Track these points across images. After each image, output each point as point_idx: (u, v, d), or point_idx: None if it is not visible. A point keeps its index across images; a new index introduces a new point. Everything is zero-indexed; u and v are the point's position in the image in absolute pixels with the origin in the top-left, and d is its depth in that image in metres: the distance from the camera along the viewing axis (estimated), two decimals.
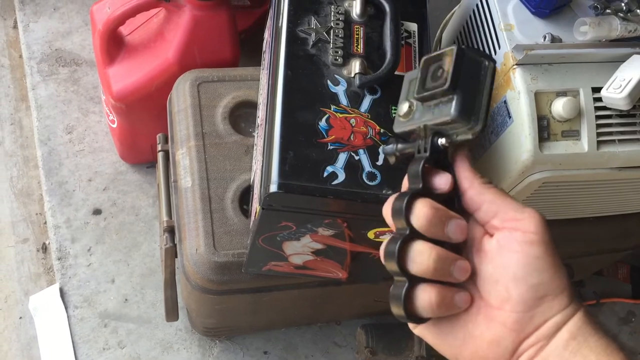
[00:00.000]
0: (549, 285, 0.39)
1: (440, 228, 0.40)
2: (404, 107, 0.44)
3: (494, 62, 0.42)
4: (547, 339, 0.39)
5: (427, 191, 0.41)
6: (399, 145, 0.45)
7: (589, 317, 0.40)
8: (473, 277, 0.41)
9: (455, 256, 0.40)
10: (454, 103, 0.40)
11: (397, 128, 0.45)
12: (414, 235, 0.40)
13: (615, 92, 0.68)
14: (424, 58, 0.44)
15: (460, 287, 0.41)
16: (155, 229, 1.14)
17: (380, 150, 0.59)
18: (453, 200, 0.42)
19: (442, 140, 0.42)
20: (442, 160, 0.43)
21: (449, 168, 0.43)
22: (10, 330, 1.07)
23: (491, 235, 0.41)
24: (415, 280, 0.40)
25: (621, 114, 0.71)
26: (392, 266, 0.40)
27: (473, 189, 0.42)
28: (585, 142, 0.70)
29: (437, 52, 0.43)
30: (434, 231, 0.40)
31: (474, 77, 0.41)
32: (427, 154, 0.42)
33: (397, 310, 0.41)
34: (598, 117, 0.71)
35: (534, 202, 0.78)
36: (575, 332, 0.39)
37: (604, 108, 0.71)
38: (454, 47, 0.41)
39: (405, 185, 0.43)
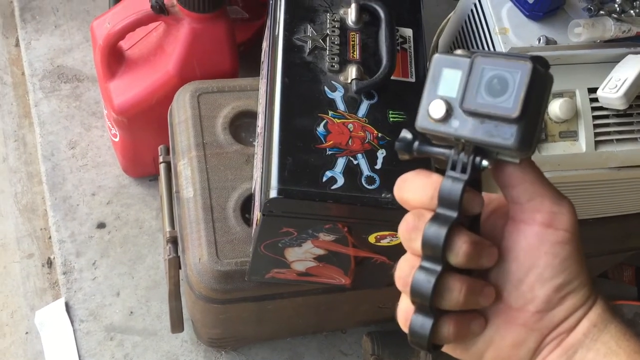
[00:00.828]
0: (573, 283, 0.38)
1: (476, 261, 0.37)
2: (439, 109, 0.36)
3: (549, 67, 0.36)
4: (568, 332, 0.38)
5: (463, 217, 0.36)
6: (421, 147, 0.38)
7: (607, 304, 0.39)
8: (492, 277, 0.39)
9: (482, 284, 0.38)
10: (516, 131, 0.34)
11: (423, 127, 0.37)
12: (445, 269, 0.36)
13: (611, 92, 0.68)
14: (475, 55, 0.36)
15: (477, 313, 0.39)
16: (159, 241, 1.15)
17: (395, 146, 0.50)
18: (477, 215, 0.38)
19: (485, 162, 0.36)
20: (477, 182, 0.37)
21: (479, 186, 0.38)
22: (16, 345, 1.07)
23: (515, 226, 0.38)
24: (439, 313, 0.37)
25: (618, 114, 0.71)
26: (420, 301, 0.36)
27: (518, 165, 0.37)
28: (583, 143, 0.71)
29: (499, 54, 0.36)
30: (469, 265, 0.37)
31: (540, 97, 0.34)
32: (467, 176, 0.36)
33: (417, 342, 0.37)
34: (595, 118, 0.71)
35: None
36: (595, 320, 0.38)
37: (601, 108, 0.71)
38: (529, 63, 0.34)
39: (408, 185, 0.39)
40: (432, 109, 0.37)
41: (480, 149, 0.36)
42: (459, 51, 0.38)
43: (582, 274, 0.38)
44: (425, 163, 0.42)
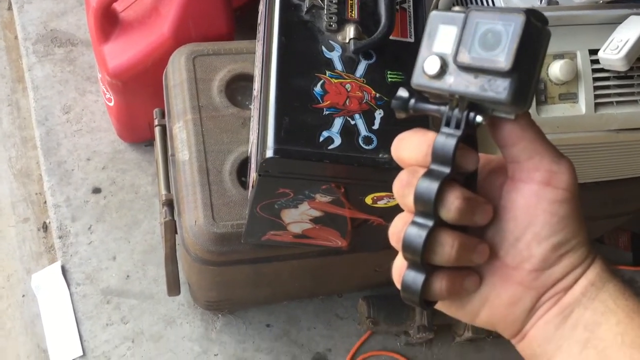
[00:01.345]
0: (571, 242, 0.37)
1: (470, 217, 0.37)
2: (434, 65, 0.36)
3: (547, 22, 0.35)
4: (564, 290, 0.38)
5: (457, 174, 0.36)
6: (417, 104, 0.38)
7: (605, 263, 0.39)
8: (486, 234, 0.39)
9: (476, 241, 0.38)
10: (509, 85, 0.34)
11: (418, 84, 0.37)
12: (437, 224, 0.36)
13: (613, 53, 0.67)
14: (470, 10, 0.35)
15: (471, 270, 0.38)
16: (155, 206, 1.14)
17: (392, 103, 0.49)
18: (474, 174, 0.38)
19: (479, 118, 0.36)
20: (472, 138, 0.37)
21: (474, 143, 0.37)
22: (13, 308, 1.08)
23: (512, 182, 0.38)
24: (431, 269, 0.37)
25: (619, 76, 0.70)
26: (411, 256, 0.36)
27: (516, 123, 0.37)
28: (582, 105, 0.70)
29: (493, 8, 0.35)
30: (462, 221, 0.37)
31: (534, 50, 0.34)
32: (461, 132, 0.35)
33: (409, 298, 0.37)
34: (595, 79, 0.70)
35: None
36: (593, 279, 0.38)
37: (602, 70, 0.70)
38: (523, 16, 0.33)
39: (404, 144, 0.38)
40: (427, 65, 0.36)
41: (474, 105, 0.36)
42: (456, 8, 0.37)
43: (580, 233, 0.38)
44: (424, 123, 0.42)
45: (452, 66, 0.36)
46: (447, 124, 0.36)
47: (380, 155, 0.60)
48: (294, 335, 1.09)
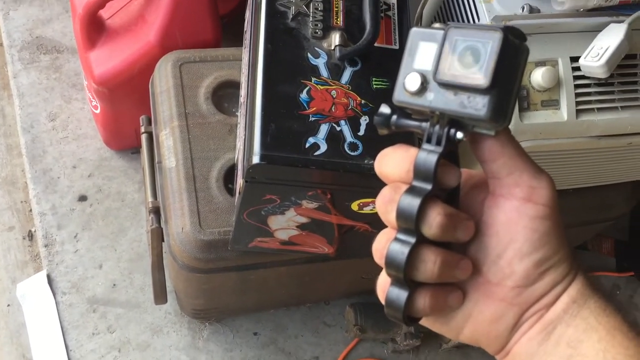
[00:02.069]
0: (553, 258, 0.37)
1: (452, 233, 0.37)
2: (414, 82, 0.36)
3: (525, 39, 0.35)
4: (547, 307, 0.38)
5: (438, 190, 0.36)
6: (399, 120, 0.38)
7: (587, 279, 0.39)
8: (471, 251, 0.39)
9: (458, 258, 0.38)
10: (487, 102, 0.34)
11: (399, 100, 0.37)
12: (420, 241, 0.36)
13: (593, 60, 0.68)
14: (449, 27, 0.36)
15: (454, 287, 0.39)
16: (142, 214, 1.14)
17: (371, 118, 0.52)
18: (456, 190, 0.38)
19: (460, 134, 0.36)
20: (454, 154, 0.37)
21: (456, 159, 0.38)
22: None
23: (494, 200, 0.38)
24: (415, 286, 0.37)
25: (599, 83, 0.71)
26: (394, 273, 0.36)
27: (496, 139, 0.37)
28: (564, 111, 0.71)
29: (472, 25, 0.36)
30: (444, 237, 0.37)
31: (512, 67, 0.34)
32: (442, 148, 0.36)
33: (393, 314, 0.37)
34: (577, 86, 0.71)
35: None
36: (575, 296, 0.38)
37: (583, 77, 0.71)
38: (499, 33, 0.33)
39: (387, 160, 0.38)
40: (407, 82, 0.37)
41: (455, 122, 0.36)
42: (436, 24, 0.38)
43: (562, 249, 0.38)
44: (408, 138, 0.42)
45: (432, 83, 0.36)
46: (429, 141, 0.36)
47: (365, 162, 0.60)
48: (281, 343, 1.09)
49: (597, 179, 0.85)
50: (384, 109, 0.39)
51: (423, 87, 0.36)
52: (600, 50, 0.68)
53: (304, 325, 1.11)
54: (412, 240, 0.36)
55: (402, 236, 0.36)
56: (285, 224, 0.71)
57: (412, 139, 0.57)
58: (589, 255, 1.26)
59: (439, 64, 0.35)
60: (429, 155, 0.36)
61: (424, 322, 0.41)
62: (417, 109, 0.37)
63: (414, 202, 0.35)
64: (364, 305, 1.07)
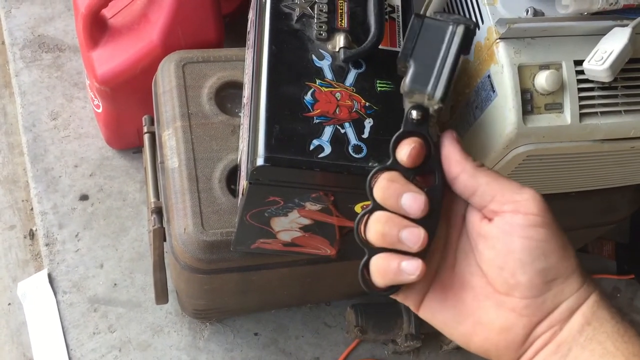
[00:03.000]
0: (557, 268, 0.37)
1: (395, 200, 0.39)
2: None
3: (467, 26, 0.41)
4: (560, 323, 0.38)
5: (397, 165, 0.41)
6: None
7: (604, 300, 0.38)
8: (481, 262, 0.40)
9: (406, 222, 0.39)
10: (408, 73, 0.41)
11: (405, 107, 0.45)
12: (376, 207, 0.40)
13: (597, 64, 0.68)
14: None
15: (418, 256, 0.40)
16: (143, 213, 1.14)
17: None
18: (432, 177, 0.41)
19: (414, 113, 0.42)
20: (420, 133, 0.42)
21: (434, 148, 0.42)
22: None
23: (490, 220, 0.39)
24: (373, 252, 0.40)
25: (603, 87, 0.71)
26: (356, 237, 0.42)
27: (465, 173, 0.40)
28: (568, 115, 0.71)
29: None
30: (389, 204, 0.39)
31: (434, 45, 0.40)
32: (402, 127, 0.42)
33: (361, 281, 0.42)
34: (580, 90, 0.71)
35: (517, 176, 0.78)
36: (590, 317, 0.37)
37: (586, 81, 0.71)
38: (413, 16, 0.41)
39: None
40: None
41: (415, 105, 0.42)
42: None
43: (567, 260, 0.38)
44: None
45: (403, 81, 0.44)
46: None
47: (369, 164, 0.60)
48: (282, 344, 1.09)
49: (600, 182, 0.85)
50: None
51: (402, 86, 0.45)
52: (604, 54, 0.68)
53: (305, 325, 1.11)
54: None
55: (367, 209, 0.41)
56: (288, 226, 0.71)
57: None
58: (589, 257, 1.26)
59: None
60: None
61: (436, 321, 0.41)
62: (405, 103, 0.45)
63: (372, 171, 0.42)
64: (364, 306, 1.07)
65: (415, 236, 0.39)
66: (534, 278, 0.37)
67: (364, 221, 0.41)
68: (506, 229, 0.38)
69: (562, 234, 0.39)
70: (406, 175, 0.41)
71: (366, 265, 0.40)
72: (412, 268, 0.39)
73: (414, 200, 0.39)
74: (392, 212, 0.39)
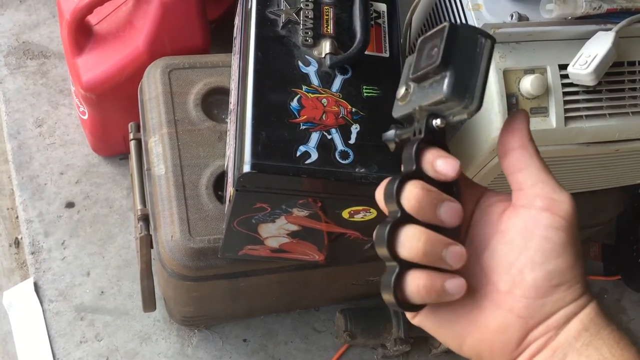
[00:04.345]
0: (565, 274, 0.37)
1: (432, 210, 0.37)
2: (401, 91, 0.43)
3: (493, 39, 0.40)
4: (556, 329, 0.37)
5: (421, 173, 0.39)
6: (398, 131, 0.44)
7: (601, 309, 0.38)
8: (481, 259, 0.39)
9: (448, 241, 0.38)
10: (446, 80, 0.38)
11: (396, 113, 0.44)
12: (406, 218, 0.38)
13: (582, 68, 0.69)
14: (420, 38, 0.42)
15: (456, 274, 0.38)
16: (130, 220, 1.13)
17: (383, 135, 0.51)
18: (451, 188, 0.40)
19: (437, 121, 0.40)
20: (440, 143, 0.41)
21: (445, 150, 0.41)
22: None
23: (513, 211, 0.39)
24: (406, 266, 0.38)
25: (587, 90, 0.72)
26: (382, 251, 0.38)
27: (525, 149, 0.39)
28: (553, 119, 0.71)
29: (433, 30, 0.41)
30: (425, 214, 0.37)
31: (469, 54, 0.39)
32: (422, 135, 0.40)
33: (387, 297, 0.39)
34: (565, 94, 0.72)
35: (503, 181, 0.79)
36: (587, 324, 0.37)
37: (571, 85, 0.72)
38: (447, 24, 0.40)
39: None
40: (397, 94, 0.43)
41: (435, 114, 0.41)
42: (408, 58, 0.44)
43: (576, 269, 0.38)
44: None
45: (412, 86, 0.42)
46: (414, 135, 0.41)
47: (356, 170, 0.60)
48: (271, 350, 1.09)
49: (587, 185, 0.86)
50: (387, 130, 0.45)
51: (407, 92, 0.42)
52: (589, 58, 0.69)
53: (294, 331, 1.11)
54: (398, 216, 0.39)
55: (389, 217, 0.39)
56: (276, 232, 0.70)
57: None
58: None
59: (413, 66, 0.42)
60: (412, 143, 0.40)
61: (427, 322, 0.41)
62: (407, 112, 0.42)
63: (395, 180, 0.39)
64: (353, 311, 1.07)
65: (458, 256, 0.38)
66: (540, 279, 0.37)
67: (393, 234, 0.38)
68: (529, 224, 0.38)
69: (579, 244, 0.39)
70: (432, 183, 0.39)
71: (398, 282, 0.38)
72: (457, 288, 0.38)
73: (452, 211, 0.38)
74: (424, 223, 0.38)
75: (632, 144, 0.75)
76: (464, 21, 0.75)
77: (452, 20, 0.77)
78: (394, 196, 0.38)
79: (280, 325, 1.11)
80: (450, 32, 0.39)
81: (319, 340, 1.11)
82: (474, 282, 0.40)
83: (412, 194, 0.38)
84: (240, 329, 1.09)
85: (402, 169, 0.41)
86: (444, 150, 0.40)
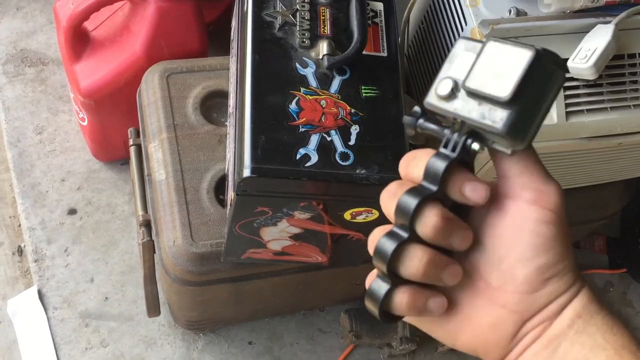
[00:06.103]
0: (557, 265, 0.37)
1: (446, 238, 0.36)
2: (445, 87, 0.37)
3: (565, 70, 0.38)
4: (550, 319, 0.37)
5: (441, 194, 0.37)
6: (425, 123, 0.39)
7: (593, 294, 0.38)
8: (470, 254, 0.38)
9: (447, 261, 0.37)
10: (506, 117, 0.34)
11: (429, 104, 0.38)
12: (413, 238, 0.36)
13: (581, 62, 0.68)
14: (490, 41, 0.36)
15: (439, 291, 0.38)
16: (133, 226, 1.13)
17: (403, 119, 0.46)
18: (466, 206, 0.38)
19: (475, 146, 0.36)
20: (469, 164, 0.38)
21: (471, 171, 0.38)
22: None
23: (501, 207, 0.38)
24: (398, 282, 0.37)
25: (588, 84, 0.71)
26: (380, 265, 0.37)
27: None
28: (554, 114, 0.71)
29: (510, 42, 0.35)
30: (437, 240, 0.36)
31: (540, 90, 0.35)
32: (455, 154, 0.36)
33: (371, 307, 0.38)
34: (566, 88, 0.71)
35: None
36: (580, 311, 0.37)
37: (571, 79, 0.71)
38: (531, 51, 0.34)
39: (408, 169, 0.39)
40: (439, 87, 0.37)
41: (475, 133, 0.37)
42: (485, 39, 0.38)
43: (567, 259, 0.37)
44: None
45: (461, 92, 0.37)
46: (446, 146, 0.37)
47: (357, 171, 0.60)
48: (276, 352, 1.08)
49: (589, 179, 0.85)
50: (416, 109, 0.40)
51: (452, 94, 0.37)
52: (588, 51, 0.68)
53: (299, 332, 1.11)
54: (405, 235, 0.36)
55: (396, 230, 0.37)
56: (278, 235, 0.70)
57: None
58: (581, 252, 1.26)
59: (470, 73, 0.36)
60: (441, 159, 0.36)
61: (418, 323, 0.40)
62: (443, 113, 0.38)
63: (414, 199, 0.36)
64: (358, 311, 1.07)
65: (455, 275, 0.37)
66: (532, 274, 0.37)
67: (396, 254, 0.36)
68: (518, 219, 0.37)
69: (568, 233, 0.38)
70: (446, 204, 0.37)
71: (388, 297, 0.37)
72: (439, 308, 0.38)
73: (464, 240, 0.37)
74: (430, 245, 0.37)
75: (634, 137, 0.74)
76: (462, 18, 0.74)
77: (450, 19, 0.77)
78: (409, 216, 0.36)
79: (285, 327, 1.11)
80: (532, 63, 0.34)
81: (324, 341, 1.11)
82: (464, 278, 0.39)
83: (430, 222, 0.36)
84: (246, 332, 1.09)
85: (411, 169, 0.38)
86: (471, 172, 0.38)
